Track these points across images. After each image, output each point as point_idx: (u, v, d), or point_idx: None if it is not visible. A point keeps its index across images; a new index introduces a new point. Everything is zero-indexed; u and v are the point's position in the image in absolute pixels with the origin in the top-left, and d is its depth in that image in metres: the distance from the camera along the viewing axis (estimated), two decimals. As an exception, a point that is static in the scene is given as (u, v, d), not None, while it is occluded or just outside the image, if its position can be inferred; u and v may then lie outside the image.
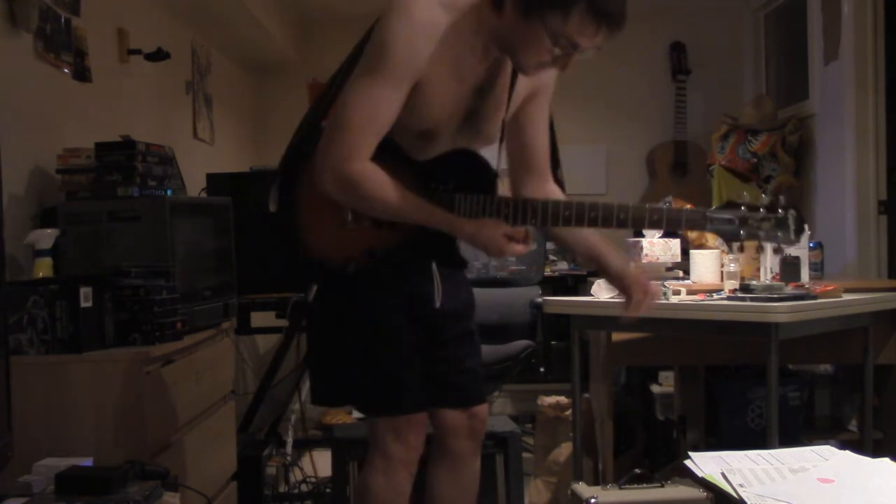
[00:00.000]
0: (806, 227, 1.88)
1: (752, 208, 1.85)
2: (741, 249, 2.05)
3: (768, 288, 2.70)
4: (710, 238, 3.29)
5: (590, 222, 1.93)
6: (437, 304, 2.05)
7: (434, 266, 2.05)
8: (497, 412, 4.79)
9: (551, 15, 1.74)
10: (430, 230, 1.91)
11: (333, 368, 2.09)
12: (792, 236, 1.84)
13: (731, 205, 1.88)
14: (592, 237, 2.19)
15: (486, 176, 1.96)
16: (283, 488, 3.82)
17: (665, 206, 1.97)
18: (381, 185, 1.85)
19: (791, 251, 2.95)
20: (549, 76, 2.06)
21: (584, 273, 4.94)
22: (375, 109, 1.82)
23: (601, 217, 1.92)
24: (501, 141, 2.04)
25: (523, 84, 2.01)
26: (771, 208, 1.84)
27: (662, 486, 1.79)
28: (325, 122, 1.97)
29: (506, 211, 1.91)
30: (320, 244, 2.00)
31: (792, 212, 1.84)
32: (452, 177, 1.94)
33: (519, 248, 1.92)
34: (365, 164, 1.84)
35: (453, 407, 2.14)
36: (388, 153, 1.89)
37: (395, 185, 1.86)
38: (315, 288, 2.01)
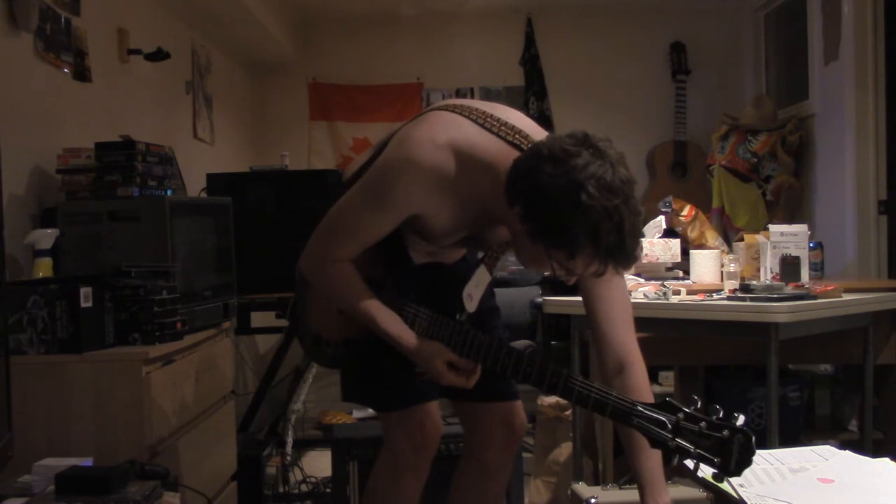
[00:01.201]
0: (753, 454, 1.49)
1: (693, 418, 1.57)
2: (666, 463, 1.63)
3: (768, 288, 2.70)
4: (710, 238, 3.30)
5: (548, 390, 1.77)
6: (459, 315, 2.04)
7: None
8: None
9: (556, 251, 1.64)
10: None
11: (355, 366, 2.11)
12: (732, 466, 1.52)
13: (668, 407, 1.61)
14: (650, 466, 1.80)
15: (451, 301, 1.93)
16: (283, 488, 3.82)
17: (580, 382, 1.72)
18: (347, 285, 1.88)
19: (791, 251, 2.95)
20: None
21: (584, 273, 4.94)
22: (363, 229, 1.85)
23: (547, 381, 1.76)
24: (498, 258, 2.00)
25: None
26: (716, 425, 1.55)
27: (662, 486, 1.79)
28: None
29: (455, 339, 1.85)
30: (314, 319, 2.06)
31: (739, 437, 1.52)
32: (425, 293, 1.95)
33: (459, 379, 1.84)
34: (339, 264, 1.87)
35: (484, 401, 2.09)
36: (391, 246, 1.93)
37: (360, 287, 1.87)
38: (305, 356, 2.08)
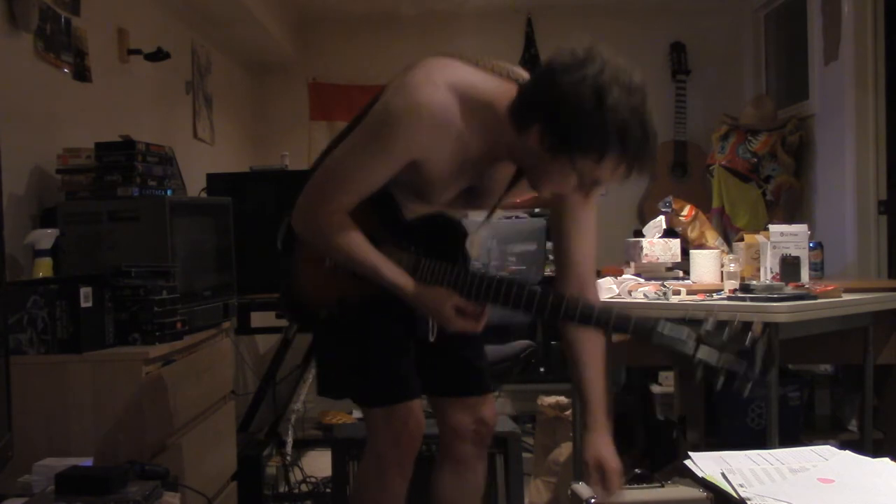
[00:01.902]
0: (775, 359, 1.57)
1: (717, 326, 1.66)
2: (691, 376, 1.71)
3: (768, 288, 2.70)
4: (710, 238, 3.30)
5: (551, 311, 1.83)
6: (431, 338, 2.02)
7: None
8: (497, 412, 4.79)
9: (583, 159, 1.67)
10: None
11: (334, 359, 2.10)
12: (756, 373, 1.63)
13: (691, 321, 1.68)
14: (593, 377, 1.99)
15: (455, 244, 1.98)
16: (283, 488, 3.82)
17: (613, 311, 1.80)
18: (345, 238, 1.86)
19: (791, 251, 2.95)
20: None
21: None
22: (363, 174, 1.83)
23: (564, 310, 1.81)
24: (492, 212, 2.03)
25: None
26: (738, 335, 1.64)
27: (662, 486, 1.79)
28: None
29: (461, 283, 1.87)
30: (302, 288, 2.03)
31: (762, 341, 1.64)
32: (424, 240, 1.95)
33: (469, 324, 1.88)
34: (337, 215, 1.85)
35: (455, 395, 2.12)
36: (382, 206, 1.91)
37: (359, 238, 1.86)
38: (295, 328, 2.06)
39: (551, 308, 1.81)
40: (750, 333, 1.61)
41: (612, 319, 1.77)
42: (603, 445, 1.94)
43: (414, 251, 1.93)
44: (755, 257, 3.06)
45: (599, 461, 1.91)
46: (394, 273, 1.88)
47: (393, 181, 1.87)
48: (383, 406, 2.03)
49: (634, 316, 1.71)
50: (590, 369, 1.97)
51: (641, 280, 2.96)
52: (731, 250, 3.19)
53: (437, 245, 1.97)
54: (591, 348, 1.96)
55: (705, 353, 1.63)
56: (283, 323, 3.85)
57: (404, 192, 1.93)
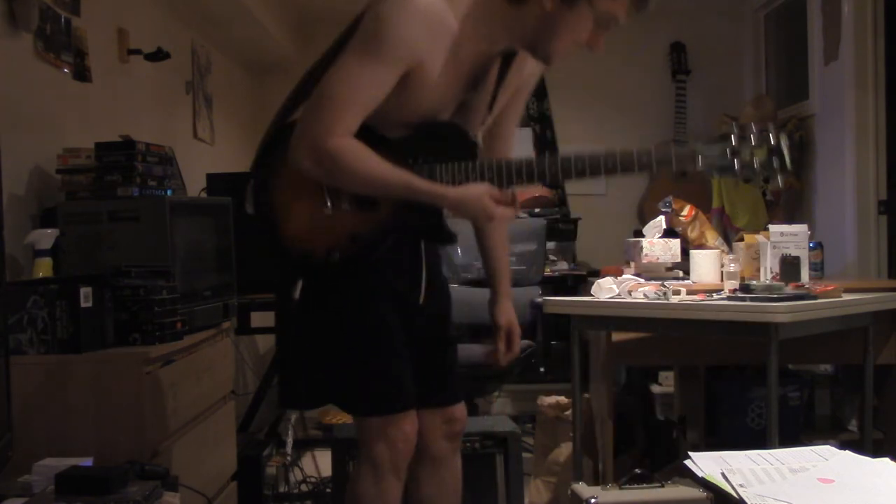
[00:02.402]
0: (798, 148, 1.86)
1: (743, 137, 1.77)
2: (747, 179, 1.88)
3: (768, 288, 2.70)
4: (710, 238, 3.30)
5: (577, 174, 1.87)
6: (420, 301, 2.04)
7: (423, 256, 2.04)
8: (497, 412, 4.80)
9: None
10: (413, 207, 1.87)
11: (313, 366, 2.03)
12: (788, 164, 1.75)
13: (722, 137, 1.80)
14: (499, 262, 2.24)
15: (466, 144, 1.91)
16: (283, 488, 3.82)
17: (652, 149, 1.89)
18: (362, 158, 1.80)
19: (791, 251, 2.95)
20: (532, 74, 2.06)
21: (584, 273, 4.95)
22: (362, 87, 1.78)
23: (588, 166, 1.86)
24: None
25: (512, 82, 2.00)
26: (761, 135, 1.77)
27: (662, 486, 1.79)
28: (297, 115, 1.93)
29: (490, 174, 1.84)
30: (301, 236, 1.92)
31: (784, 137, 1.76)
32: (430, 149, 1.88)
33: (508, 211, 1.86)
34: (345, 138, 1.79)
35: (430, 407, 2.10)
36: (361, 136, 1.84)
37: (377, 158, 1.81)
38: (301, 284, 1.95)
39: (590, 165, 1.85)
40: (772, 133, 1.77)
41: (654, 156, 1.86)
42: (510, 310, 2.23)
43: (422, 162, 1.88)
44: (755, 257, 3.06)
45: (510, 324, 2.21)
46: (425, 182, 1.83)
47: (378, 119, 1.82)
48: (383, 416, 1.99)
49: (672, 147, 1.84)
50: (498, 248, 2.21)
51: (641, 280, 2.96)
52: (731, 250, 3.19)
53: (441, 150, 1.90)
54: (499, 235, 2.19)
55: (743, 160, 1.78)
56: (283, 323, 3.84)
57: (391, 128, 1.88)
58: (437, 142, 1.90)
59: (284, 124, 2.00)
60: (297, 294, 1.95)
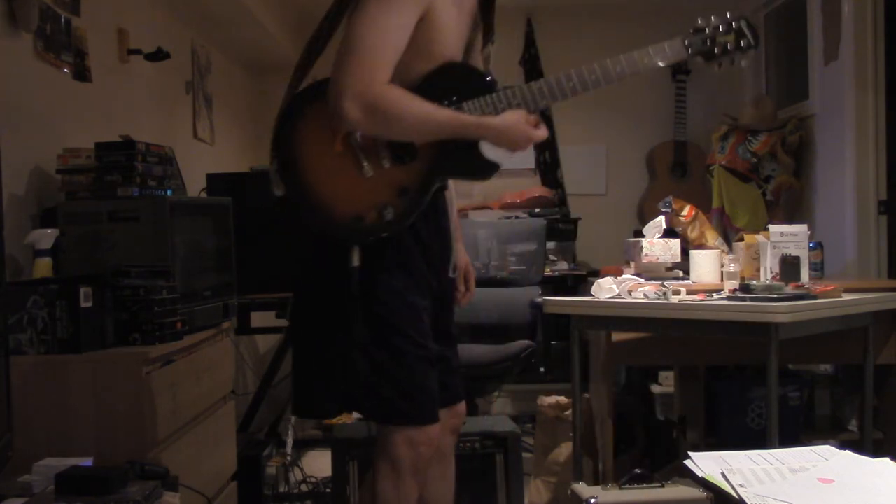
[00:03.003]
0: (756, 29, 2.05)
1: (713, 26, 2.02)
2: (719, 66, 2.11)
3: (768, 288, 2.70)
4: (710, 238, 3.30)
5: (594, 84, 1.97)
6: (452, 273, 2.10)
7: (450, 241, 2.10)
8: (497, 412, 4.80)
9: None
10: (450, 148, 1.91)
11: (337, 373, 2.00)
12: (752, 41, 2.04)
13: (696, 30, 2.04)
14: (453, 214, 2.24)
15: (484, 80, 1.97)
16: (283, 488, 3.82)
17: (650, 51, 2.00)
18: (409, 101, 1.86)
19: (791, 251, 2.95)
20: None
21: (584, 273, 4.95)
22: (390, 33, 1.83)
23: (602, 77, 1.97)
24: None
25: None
26: (725, 22, 2.02)
27: (662, 486, 1.79)
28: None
29: (517, 100, 1.92)
30: (347, 203, 1.92)
31: (743, 21, 2.01)
32: (454, 89, 1.93)
33: (542, 131, 1.96)
34: (386, 87, 1.83)
35: (445, 406, 2.13)
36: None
37: (420, 99, 1.86)
38: (357, 250, 1.91)
39: (602, 74, 1.95)
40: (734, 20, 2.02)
41: (652, 53, 1.99)
42: (465, 253, 2.25)
43: (447, 103, 1.92)
44: (755, 257, 3.06)
45: (466, 267, 2.24)
46: (470, 116, 1.90)
47: (403, 63, 1.88)
48: (417, 427, 1.99)
49: (665, 43, 2.01)
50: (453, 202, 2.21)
51: (641, 280, 2.97)
52: (731, 250, 3.19)
53: (464, 89, 1.95)
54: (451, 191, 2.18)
55: (719, 44, 2.03)
56: (283, 323, 3.85)
57: (415, 68, 1.93)
58: (458, 82, 1.96)
59: (296, 96, 2.04)
60: (356, 262, 1.91)
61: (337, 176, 1.91)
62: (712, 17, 2.05)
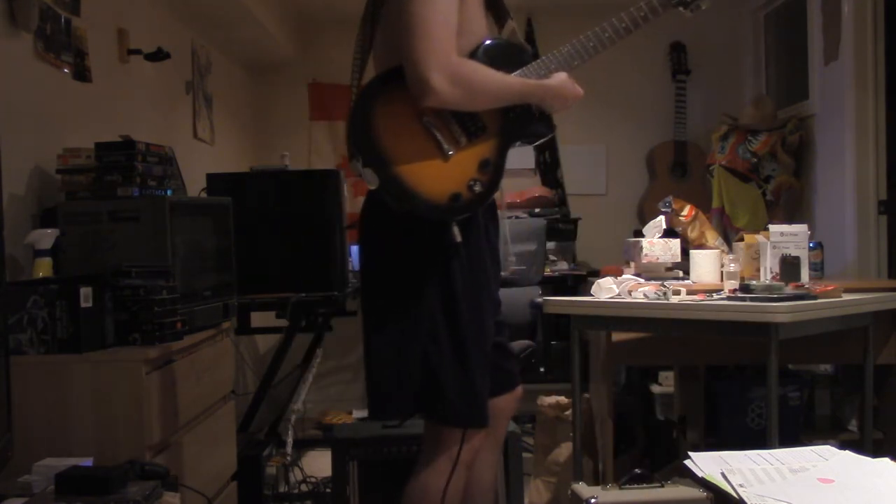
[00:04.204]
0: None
1: None
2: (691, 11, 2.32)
3: (768, 288, 2.70)
4: (710, 238, 3.30)
5: (609, 42, 2.14)
6: (506, 272, 2.27)
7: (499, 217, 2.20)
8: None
9: None
10: (510, 115, 2.05)
11: (413, 371, 2.02)
12: None
13: None
14: None
15: (523, 50, 2.13)
16: (283, 488, 3.82)
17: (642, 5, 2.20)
18: (483, 69, 1.97)
19: (791, 251, 2.95)
20: None
21: (584, 273, 4.95)
22: (450, 14, 1.92)
23: (613, 33, 2.14)
24: None
25: None
26: None
27: (662, 486, 1.79)
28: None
29: (555, 64, 2.08)
30: (441, 186, 1.98)
31: None
32: (499, 63, 2.04)
33: (579, 88, 2.13)
34: (460, 59, 1.94)
35: (508, 391, 2.21)
36: None
37: (490, 69, 1.99)
38: (456, 228, 1.98)
39: (624, 25, 2.15)
40: None
41: None
42: None
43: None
44: (755, 257, 3.06)
45: None
46: (532, 80, 2.05)
47: None
48: (477, 429, 2.06)
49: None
50: None
51: (641, 280, 2.97)
52: (731, 250, 3.19)
53: (508, 61, 2.07)
54: None
55: None
56: (283, 323, 3.85)
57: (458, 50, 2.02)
58: (502, 54, 2.08)
59: (362, 94, 2.06)
60: (458, 237, 1.98)
61: (423, 161, 1.98)
62: None
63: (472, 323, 2.01)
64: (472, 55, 2.03)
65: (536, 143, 2.22)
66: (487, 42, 2.07)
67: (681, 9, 2.30)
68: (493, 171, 2.02)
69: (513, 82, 2.03)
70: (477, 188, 1.98)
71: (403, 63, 1.92)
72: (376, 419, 2.31)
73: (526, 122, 2.10)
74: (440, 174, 1.97)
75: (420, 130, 1.97)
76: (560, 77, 2.08)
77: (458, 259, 2.00)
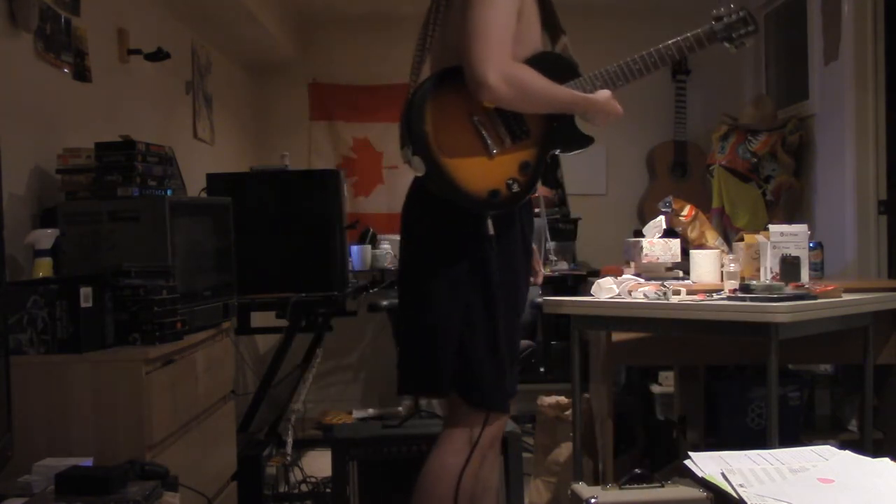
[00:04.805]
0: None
1: (726, 15, 2.36)
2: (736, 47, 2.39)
3: (768, 288, 2.70)
4: (710, 238, 3.30)
5: (653, 66, 2.25)
6: (541, 281, 2.45)
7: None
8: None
9: None
10: (553, 126, 2.16)
11: (450, 349, 2.13)
12: (752, 27, 2.34)
13: (716, 17, 2.37)
14: None
15: (571, 65, 2.22)
16: (283, 488, 3.82)
17: (690, 36, 2.35)
18: (537, 76, 2.08)
19: (791, 251, 2.95)
20: None
21: (584, 273, 4.95)
22: (508, 18, 2.04)
23: (658, 59, 2.26)
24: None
25: None
26: (730, 15, 2.35)
27: (662, 486, 1.79)
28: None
29: (600, 82, 2.20)
30: (482, 181, 2.09)
31: (745, 10, 2.35)
32: (548, 73, 2.14)
33: (621, 108, 2.25)
34: (516, 63, 2.05)
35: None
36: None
37: (542, 76, 2.10)
38: (490, 222, 2.10)
39: (659, 56, 2.25)
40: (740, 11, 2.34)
41: (693, 37, 2.34)
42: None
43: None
44: (755, 257, 3.06)
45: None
46: (579, 92, 2.16)
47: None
48: (507, 414, 2.20)
49: (700, 30, 2.36)
50: None
51: (641, 280, 2.97)
52: (731, 250, 3.19)
53: (557, 73, 2.18)
54: None
55: (734, 28, 2.35)
56: (283, 323, 3.85)
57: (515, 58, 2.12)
58: (552, 66, 2.19)
59: (419, 89, 2.15)
60: (491, 230, 2.10)
61: (469, 156, 2.09)
62: (723, 7, 2.38)
63: (506, 312, 2.13)
64: (526, 63, 2.13)
65: (572, 153, 2.31)
66: (541, 52, 2.20)
67: (726, 44, 2.37)
68: (532, 173, 2.14)
69: (561, 91, 2.13)
70: (515, 188, 2.11)
71: (463, 61, 2.02)
72: (406, 393, 2.37)
73: (568, 131, 2.22)
74: (483, 170, 2.09)
75: (469, 128, 2.09)
76: (604, 94, 2.19)
77: (492, 251, 2.11)
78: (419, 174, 2.07)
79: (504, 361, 2.13)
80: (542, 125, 2.16)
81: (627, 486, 1.80)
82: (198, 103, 4.42)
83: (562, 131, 2.20)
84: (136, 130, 3.01)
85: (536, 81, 2.08)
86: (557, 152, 2.26)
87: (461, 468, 2.11)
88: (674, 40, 2.29)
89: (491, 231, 2.10)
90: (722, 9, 2.38)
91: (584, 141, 2.26)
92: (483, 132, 2.10)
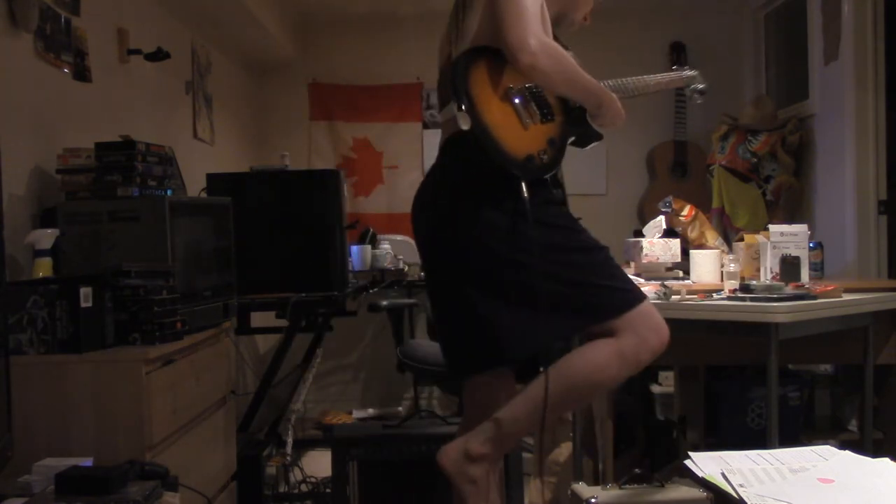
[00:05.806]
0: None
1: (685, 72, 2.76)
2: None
3: (768, 288, 2.70)
4: (710, 238, 3.30)
5: (653, 89, 2.52)
6: None
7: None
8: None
9: None
10: (571, 116, 2.27)
11: (524, 308, 2.15)
12: (703, 85, 2.78)
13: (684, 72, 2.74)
14: None
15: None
16: (283, 488, 3.82)
17: (682, 74, 2.71)
18: (566, 54, 2.15)
19: (791, 251, 2.95)
20: None
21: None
22: (537, 4, 2.10)
23: (651, 85, 2.51)
24: None
25: None
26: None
27: (662, 486, 1.79)
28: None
29: (611, 88, 2.34)
30: (519, 146, 2.16)
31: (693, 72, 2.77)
32: None
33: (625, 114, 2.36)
34: (548, 40, 2.11)
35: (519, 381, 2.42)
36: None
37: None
38: (524, 185, 2.14)
39: (663, 80, 2.55)
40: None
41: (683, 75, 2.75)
42: None
43: None
44: (755, 257, 3.06)
45: None
46: (596, 82, 2.25)
47: None
48: (643, 301, 2.23)
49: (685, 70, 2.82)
50: None
51: (641, 280, 2.97)
52: (731, 250, 3.19)
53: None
54: None
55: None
56: (283, 323, 3.85)
57: None
58: None
59: (462, 55, 2.21)
60: (526, 193, 2.13)
61: (507, 122, 2.17)
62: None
63: (573, 236, 2.21)
64: None
65: (584, 147, 2.40)
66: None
67: (686, 91, 2.79)
68: (557, 151, 2.24)
69: (587, 76, 2.20)
70: (545, 158, 2.20)
71: (501, 31, 2.07)
72: (498, 365, 2.34)
73: (582, 122, 2.32)
74: (519, 136, 2.17)
75: (506, 100, 2.18)
76: (615, 96, 2.30)
77: (528, 208, 2.14)
78: (465, 127, 2.11)
79: (607, 273, 2.17)
80: (563, 111, 2.26)
81: (627, 486, 1.80)
82: (198, 103, 4.42)
83: (578, 120, 2.31)
84: (136, 130, 3.01)
85: (569, 58, 2.16)
86: (572, 140, 2.34)
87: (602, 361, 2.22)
88: (668, 73, 2.63)
89: (526, 194, 2.13)
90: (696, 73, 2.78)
91: (596, 136, 2.37)
92: (518, 104, 2.18)
